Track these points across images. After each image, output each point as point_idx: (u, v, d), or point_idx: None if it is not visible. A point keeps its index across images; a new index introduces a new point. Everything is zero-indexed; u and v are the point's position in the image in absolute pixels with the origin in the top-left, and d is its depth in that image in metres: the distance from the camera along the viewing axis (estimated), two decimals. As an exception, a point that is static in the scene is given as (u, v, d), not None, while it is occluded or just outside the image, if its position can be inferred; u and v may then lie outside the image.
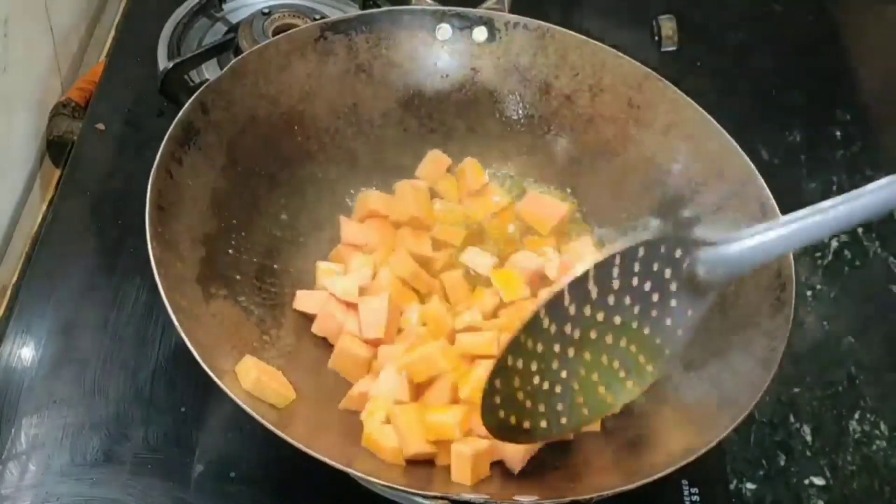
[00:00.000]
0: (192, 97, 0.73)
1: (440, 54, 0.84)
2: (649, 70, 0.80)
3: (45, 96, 0.94)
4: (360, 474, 0.61)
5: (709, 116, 0.77)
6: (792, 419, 0.80)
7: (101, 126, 0.90)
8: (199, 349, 0.62)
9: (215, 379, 0.61)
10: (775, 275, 0.70)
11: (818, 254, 0.91)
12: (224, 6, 1.01)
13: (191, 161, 0.71)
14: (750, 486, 0.76)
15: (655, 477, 0.60)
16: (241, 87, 0.76)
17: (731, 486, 0.75)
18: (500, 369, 0.59)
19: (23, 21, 0.88)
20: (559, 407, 0.61)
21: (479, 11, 0.84)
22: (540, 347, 0.59)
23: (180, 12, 0.98)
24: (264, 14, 0.96)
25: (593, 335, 0.60)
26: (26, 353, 0.76)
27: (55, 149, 0.94)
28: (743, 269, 0.60)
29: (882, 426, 0.80)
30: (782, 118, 1.02)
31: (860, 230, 0.93)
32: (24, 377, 0.74)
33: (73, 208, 0.85)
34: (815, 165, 0.99)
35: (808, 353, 0.84)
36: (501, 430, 0.61)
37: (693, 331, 0.61)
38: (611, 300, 0.59)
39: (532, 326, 0.58)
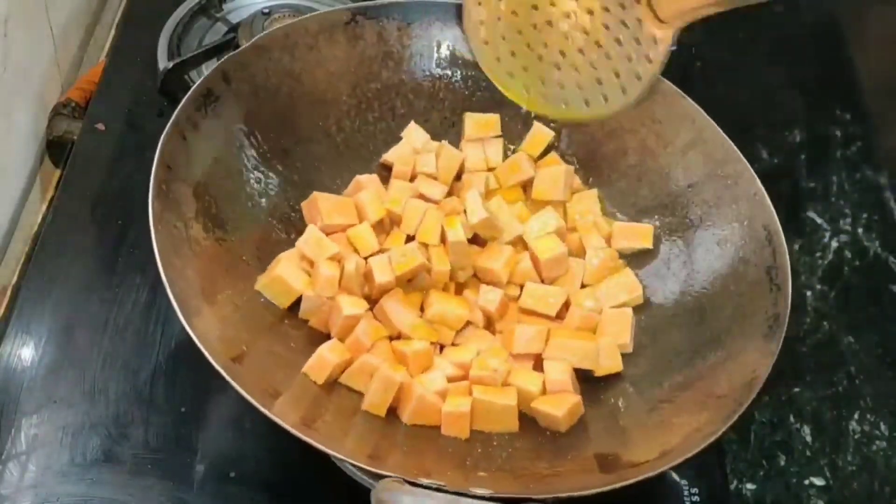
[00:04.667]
0: (216, 65, 0.74)
1: (469, 50, 0.84)
2: (675, 87, 0.80)
3: (45, 96, 0.94)
4: (361, 465, 0.61)
5: (725, 136, 0.77)
6: (792, 419, 0.80)
7: (101, 126, 0.90)
8: (183, 308, 0.62)
9: (218, 368, 0.61)
10: (770, 255, 0.71)
11: (818, 254, 0.91)
12: (224, 6, 1.01)
13: (206, 126, 0.72)
14: (750, 486, 0.76)
15: (640, 478, 0.60)
16: (265, 61, 0.77)
17: (731, 486, 0.75)
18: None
19: (23, 21, 0.88)
20: (540, 78, 0.69)
21: None
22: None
23: (180, 12, 0.98)
24: (264, 14, 0.96)
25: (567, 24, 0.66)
26: (26, 353, 0.75)
27: (55, 149, 0.94)
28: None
29: (882, 426, 0.80)
30: (782, 118, 1.02)
31: (860, 230, 0.93)
32: (24, 377, 0.74)
33: (73, 208, 0.85)
34: (815, 165, 0.99)
35: (808, 353, 0.84)
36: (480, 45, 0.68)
37: (650, 81, 0.65)
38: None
39: None
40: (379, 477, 0.59)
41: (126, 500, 0.69)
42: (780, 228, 0.73)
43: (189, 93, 0.72)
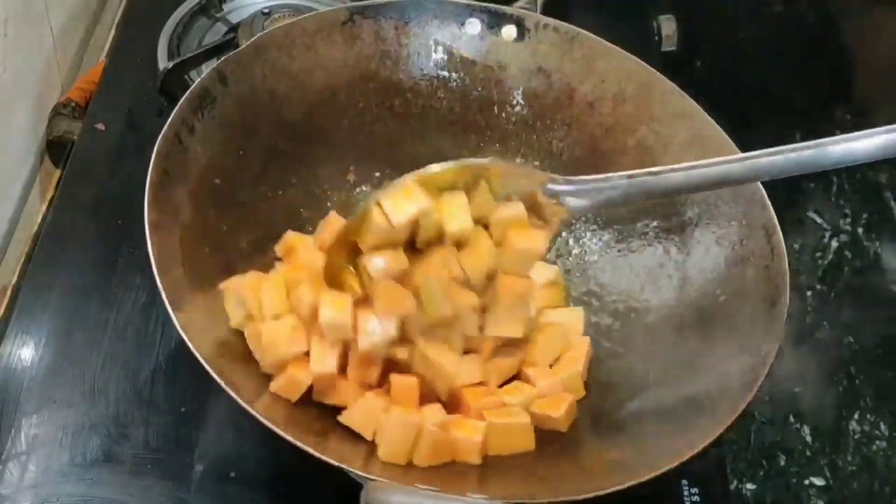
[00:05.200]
0: (213, 67, 0.74)
1: (467, 48, 0.84)
2: (675, 85, 0.80)
3: (45, 96, 0.95)
4: (357, 471, 0.61)
5: (725, 136, 0.77)
6: (792, 419, 0.80)
7: (101, 126, 0.90)
8: (180, 315, 0.62)
9: (208, 368, 0.61)
10: (769, 254, 0.71)
11: (818, 254, 0.91)
12: (224, 6, 1.01)
13: (203, 129, 0.72)
14: (750, 486, 0.76)
15: (643, 480, 0.60)
16: (263, 61, 0.77)
17: (731, 486, 0.75)
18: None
19: (23, 21, 0.88)
20: None
21: (510, 9, 0.84)
22: None
23: (180, 12, 0.98)
24: (264, 14, 0.96)
25: None
26: (26, 353, 0.76)
27: (55, 149, 0.94)
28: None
29: (882, 426, 0.80)
30: (782, 118, 1.02)
31: (860, 230, 0.93)
32: (24, 377, 0.74)
33: (73, 208, 0.85)
34: (815, 165, 0.99)
35: (808, 353, 0.84)
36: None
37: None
38: None
39: None
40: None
41: (126, 500, 0.69)
42: (779, 228, 0.73)
43: (185, 95, 0.71)
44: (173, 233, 0.67)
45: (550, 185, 0.68)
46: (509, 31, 0.84)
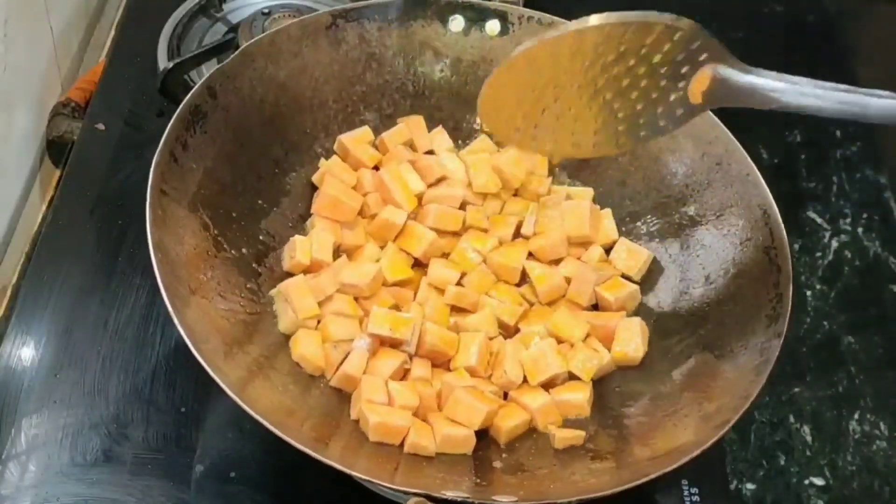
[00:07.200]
0: (201, 81, 0.73)
1: (452, 46, 0.84)
2: None
3: (45, 96, 0.94)
4: (360, 475, 0.61)
5: (716, 119, 0.77)
6: (792, 419, 0.80)
7: (101, 126, 0.90)
8: (193, 336, 0.62)
9: (211, 372, 0.61)
10: (768, 235, 0.71)
11: (818, 254, 0.91)
12: (224, 6, 1.01)
13: (196, 145, 0.72)
14: (750, 486, 0.76)
15: (654, 475, 0.60)
16: (250, 71, 0.77)
17: (731, 486, 0.75)
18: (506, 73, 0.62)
19: (23, 21, 0.88)
20: (548, 131, 0.65)
21: (493, 4, 0.84)
22: (541, 74, 0.62)
23: (180, 12, 0.98)
24: (264, 14, 0.96)
25: (591, 85, 0.62)
26: (26, 353, 0.76)
27: (55, 149, 0.94)
28: (739, 99, 0.64)
29: (882, 426, 0.80)
30: (782, 118, 1.02)
31: (860, 230, 0.93)
32: (24, 377, 0.74)
33: (73, 208, 0.85)
34: (815, 165, 0.99)
35: (808, 353, 0.84)
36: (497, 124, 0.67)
37: (673, 129, 0.64)
38: (617, 65, 0.61)
39: (540, 53, 0.60)
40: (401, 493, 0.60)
41: (126, 500, 0.69)
42: (776, 207, 0.72)
43: (176, 113, 0.71)
44: (177, 251, 0.67)
45: (725, 70, 0.63)
46: (493, 26, 0.84)
